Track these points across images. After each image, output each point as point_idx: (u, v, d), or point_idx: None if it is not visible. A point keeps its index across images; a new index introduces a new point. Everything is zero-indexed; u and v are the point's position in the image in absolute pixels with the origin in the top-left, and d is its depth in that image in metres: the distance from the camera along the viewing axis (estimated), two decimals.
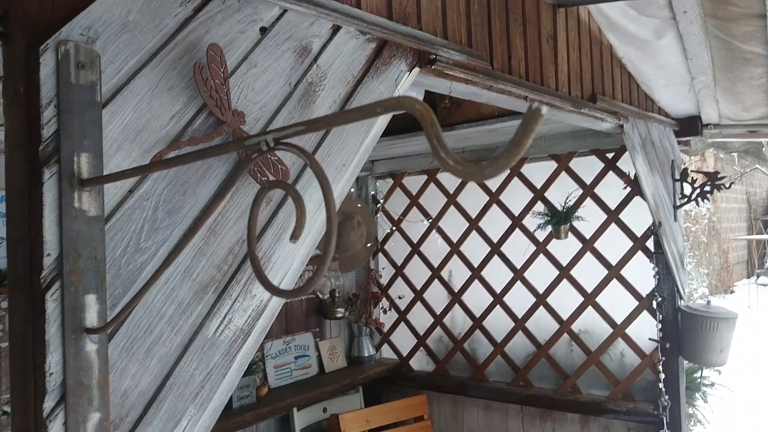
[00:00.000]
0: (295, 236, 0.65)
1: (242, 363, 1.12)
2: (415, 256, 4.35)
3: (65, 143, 0.91)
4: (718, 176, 3.20)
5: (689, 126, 3.45)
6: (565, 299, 3.72)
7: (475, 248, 4.07)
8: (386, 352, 4.53)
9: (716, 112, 3.21)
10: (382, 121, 1.46)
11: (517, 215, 3.88)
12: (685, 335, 3.31)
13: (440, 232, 4.22)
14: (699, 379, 4.63)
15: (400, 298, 4.45)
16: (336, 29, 1.37)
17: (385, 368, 4.29)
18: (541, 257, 3.79)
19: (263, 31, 1.22)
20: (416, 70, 1.59)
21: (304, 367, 4.04)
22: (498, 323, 4.00)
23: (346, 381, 4.01)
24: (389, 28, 1.47)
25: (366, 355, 4.35)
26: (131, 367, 0.96)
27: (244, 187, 1.14)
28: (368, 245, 4.40)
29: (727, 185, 3.17)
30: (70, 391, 0.89)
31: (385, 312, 4.51)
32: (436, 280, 4.26)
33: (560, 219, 3.61)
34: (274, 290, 0.63)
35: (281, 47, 1.24)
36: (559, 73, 2.28)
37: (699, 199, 3.27)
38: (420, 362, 4.41)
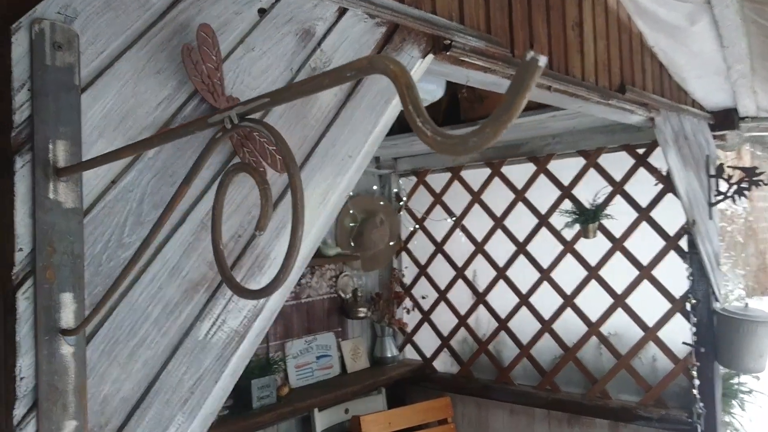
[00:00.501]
0: (259, 227, 0.57)
1: (237, 367, 1.04)
2: (439, 255, 4.26)
3: (39, 129, 0.85)
4: (756, 172, 3.03)
5: (725, 119, 3.27)
6: (594, 301, 3.59)
7: (500, 247, 3.96)
8: (409, 352, 4.45)
9: (754, 104, 3.04)
10: (392, 110, 1.37)
11: (543, 213, 3.75)
12: (721, 339, 3.14)
13: (464, 230, 4.11)
14: (736, 386, 4.43)
15: (423, 297, 4.36)
16: (342, 11, 1.29)
17: (409, 369, 4.20)
18: (569, 257, 3.66)
19: (262, 12, 1.14)
20: (430, 56, 1.50)
21: (325, 367, 3.98)
22: (524, 325, 3.88)
23: (369, 382, 3.94)
24: (400, 11, 1.39)
25: (389, 355, 4.27)
26: (112, 371, 0.90)
27: (239, 179, 1.07)
28: (391, 244, 4.32)
29: (765, 181, 3.01)
30: (43, 396, 0.82)
31: (408, 312, 4.43)
32: (460, 279, 4.16)
33: (588, 217, 3.48)
34: (239, 290, 0.55)
35: (281, 30, 1.17)
36: (585, 63, 2.16)
37: (736, 196, 3.10)
38: (444, 364, 4.32)
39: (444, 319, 4.25)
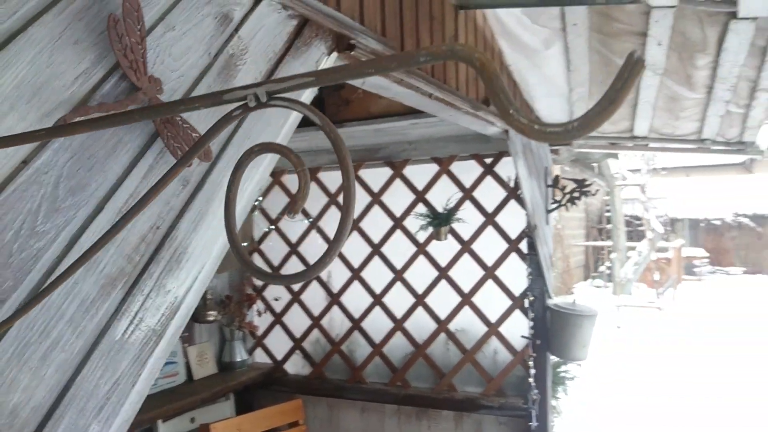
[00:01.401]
0: (294, 210, 0.54)
1: (153, 369, 0.96)
2: (293, 256, 4.22)
3: None
4: (586, 183, 3.44)
5: None
6: (443, 299, 3.80)
7: (355, 249, 4.03)
8: (260, 356, 4.35)
9: None
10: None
11: (398, 216, 3.90)
12: (553, 331, 3.51)
13: (320, 232, 4.13)
14: (562, 374, 4.97)
15: (276, 300, 4.29)
16: None
17: (259, 373, 4.11)
18: (421, 258, 3.85)
19: None
20: (334, 54, 1.50)
21: (170, 375, 3.76)
22: (377, 324, 3.99)
23: (217, 388, 3.80)
24: (311, 5, 1.37)
25: (238, 360, 4.14)
26: (23, 377, 0.78)
27: (159, 165, 0.99)
28: (243, 245, 4.19)
29: (593, 191, 3.43)
30: None
31: (259, 315, 4.33)
32: (314, 281, 4.16)
33: (441, 221, 3.69)
34: (266, 276, 0.52)
35: (201, 11, 1.10)
36: (459, 75, 2.30)
37: (568, 204, 3.49)
38: (296, 366, 4.29)
39: (297, 321, 4.23)
